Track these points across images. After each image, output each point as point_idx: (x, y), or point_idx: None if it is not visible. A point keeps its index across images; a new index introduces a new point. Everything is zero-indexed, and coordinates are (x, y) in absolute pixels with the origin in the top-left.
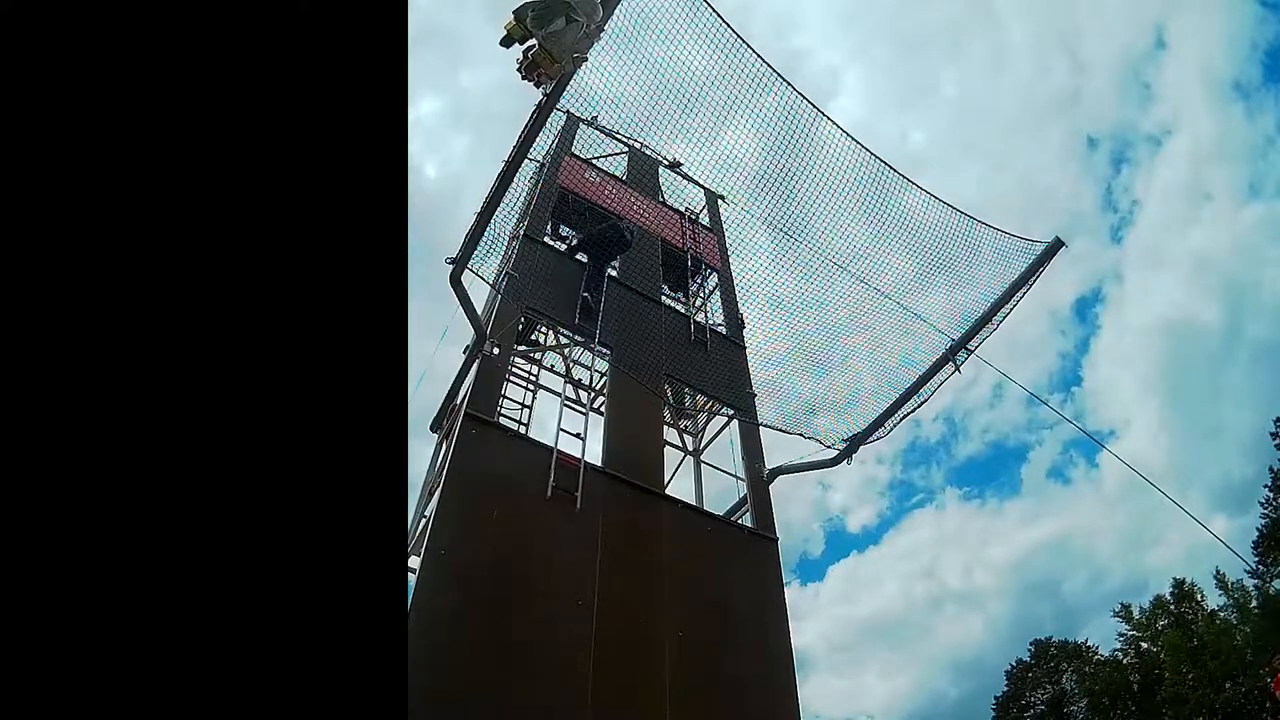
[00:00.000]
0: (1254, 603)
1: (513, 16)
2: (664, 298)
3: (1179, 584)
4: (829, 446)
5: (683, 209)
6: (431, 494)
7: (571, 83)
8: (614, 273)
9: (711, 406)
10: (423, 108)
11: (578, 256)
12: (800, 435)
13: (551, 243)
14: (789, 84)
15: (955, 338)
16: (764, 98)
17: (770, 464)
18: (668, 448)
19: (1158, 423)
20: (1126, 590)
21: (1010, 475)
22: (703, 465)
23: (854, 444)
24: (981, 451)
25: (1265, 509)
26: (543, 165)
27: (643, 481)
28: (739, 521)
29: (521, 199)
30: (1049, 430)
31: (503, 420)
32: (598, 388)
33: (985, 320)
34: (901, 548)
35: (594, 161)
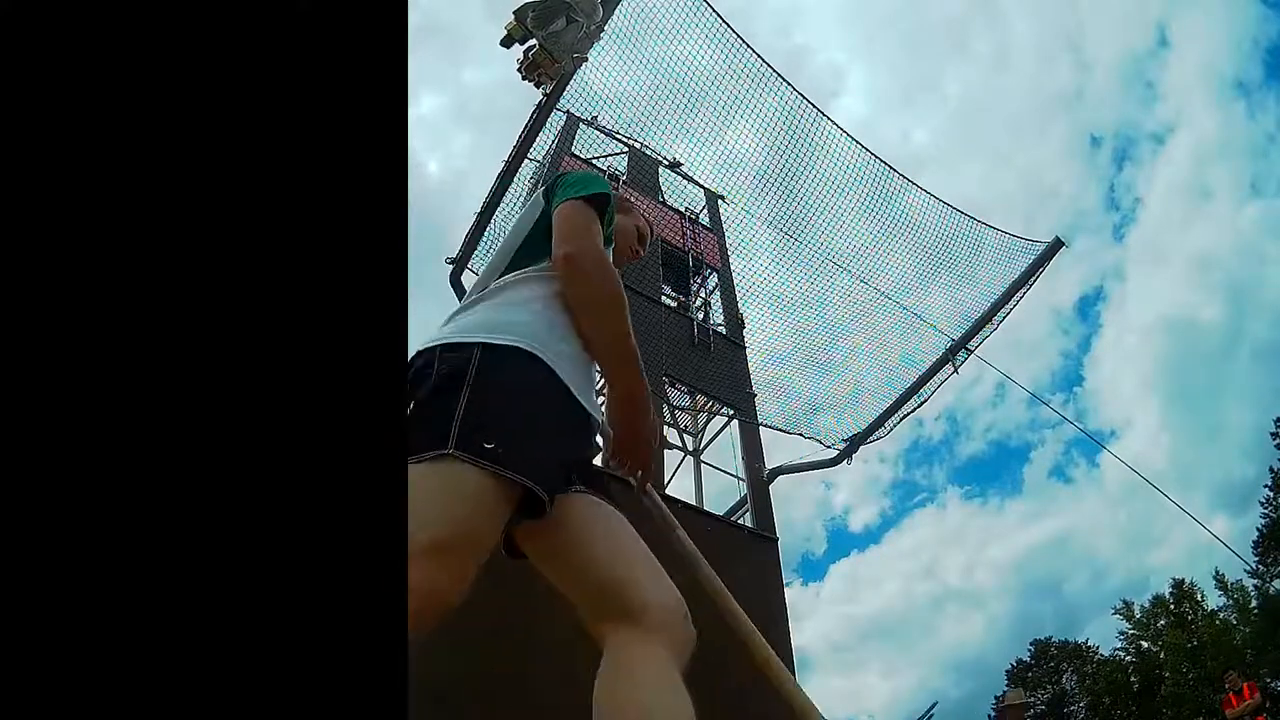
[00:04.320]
0: (1254, 603)
1: (513, 17)
2: (664, 298)
3: (1179, 584)
4: (829, 446)
5: (683, 209)
6: None
7: (572, 81)
8: None
9: (711, 406)
10: (425, 105)
11: None
12: (800, 435)
13: None
14: (790, 85)
15: (955, 338)
16: (765, 97)
17: (770, 464)
18: (668, 448)
19: (1159, 422)
20: (1127, 589)
21: (1012, 475)
22: (703, 465)
23: (854, 444)
24: (984, 451)
25: (1265, 509)
26: (543, 165)
27: None
28: (739, 521)
29: (521, 199)
30: (1051, 430)
31: None
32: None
33: (985, 320)
34: (903, 547)
35: (594, 161)
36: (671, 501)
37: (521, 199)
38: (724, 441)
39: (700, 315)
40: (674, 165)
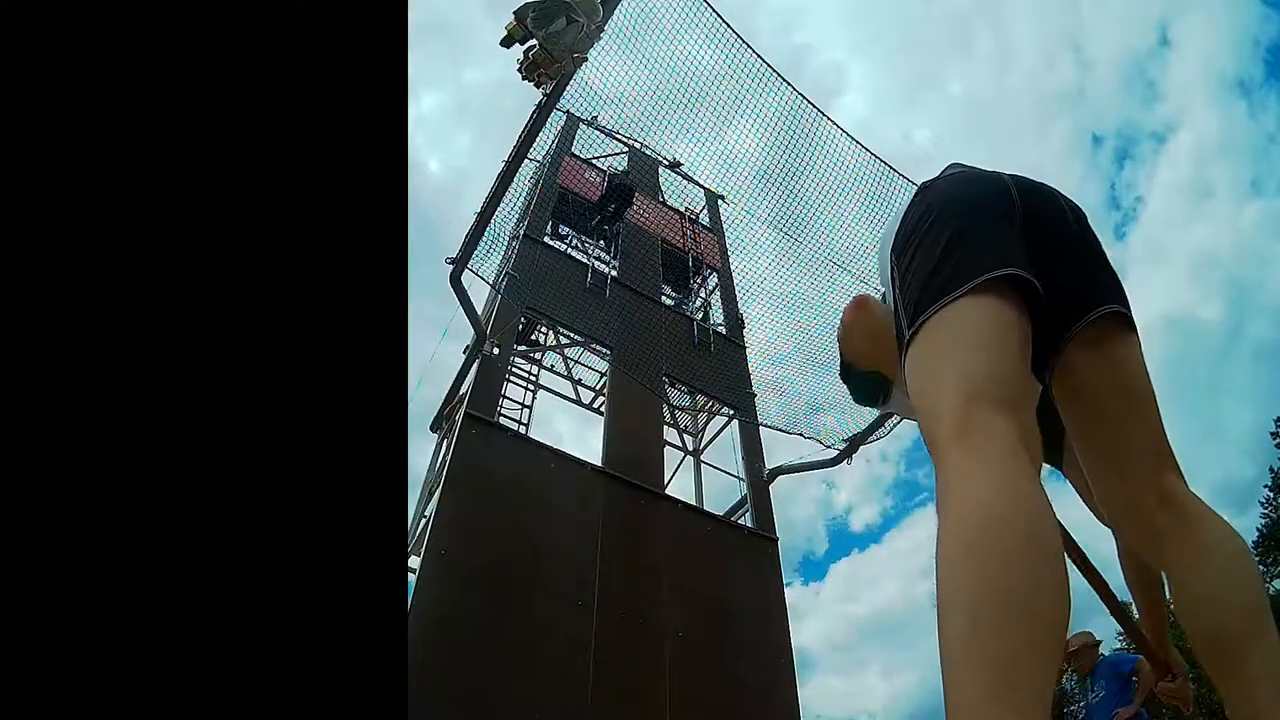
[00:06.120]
0: None
1: (513, 16)
2: (664, 298)
3: None
4: (829, 446)
5: (683, 209)
6: (431, 494)
7: (572, 81)
8: (614, 273)
9: (711, 406)
10: (425, 104)
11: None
12: (800, 435)
13: (552, 243)
14: (791, 85)
15: None
16: (765, 96)
17: (770, 464)
18: (668, 448)
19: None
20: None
21: None
22: (703, 465)
23: (854, 444)
24: None
25: (1265, 509)
26: (542, 165)
27: (643, 481)
28: (739, 521)
29: (522, 199)
30: None
31: (503, 420)
32: (598, 388)
33: None
34: (904, 546)
35: (594, 161)
36: (672, 501)
37: (522, 199)
38: (724, 441)
39: (700, 315)
40: (674, 165)
